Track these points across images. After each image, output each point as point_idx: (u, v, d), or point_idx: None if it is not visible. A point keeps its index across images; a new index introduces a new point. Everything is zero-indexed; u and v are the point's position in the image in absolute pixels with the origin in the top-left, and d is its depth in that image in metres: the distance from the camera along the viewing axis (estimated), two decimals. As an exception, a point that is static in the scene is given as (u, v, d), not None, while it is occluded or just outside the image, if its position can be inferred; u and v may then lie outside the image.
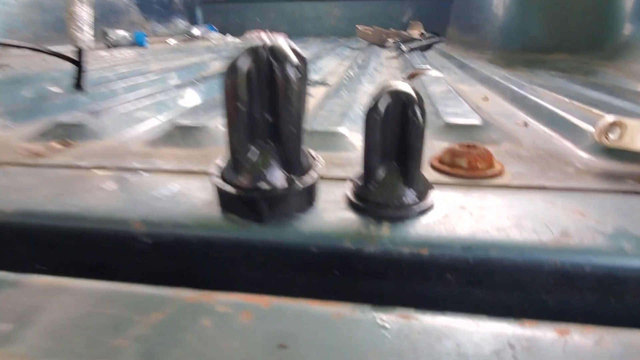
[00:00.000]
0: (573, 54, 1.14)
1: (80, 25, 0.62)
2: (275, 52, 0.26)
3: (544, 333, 0.18)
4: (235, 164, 0.28)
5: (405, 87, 0.28)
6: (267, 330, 0.19)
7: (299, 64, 0.27)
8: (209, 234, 0.29)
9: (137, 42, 1.93)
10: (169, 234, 0.29)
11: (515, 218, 0.29)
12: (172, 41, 2.34)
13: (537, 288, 0.26)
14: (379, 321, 0.19)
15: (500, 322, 0.19)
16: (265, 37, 0.27)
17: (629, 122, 0.38)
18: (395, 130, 0.29)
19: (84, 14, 0.62)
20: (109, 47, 1.85)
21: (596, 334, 0.18)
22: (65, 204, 0.32)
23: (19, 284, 0.22)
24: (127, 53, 1.58)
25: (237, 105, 0.27)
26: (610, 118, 0.39)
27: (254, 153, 0.29)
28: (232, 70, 0.26)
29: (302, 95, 0.27)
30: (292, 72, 0.26)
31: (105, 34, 1.86)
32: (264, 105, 0.28)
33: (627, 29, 1.05)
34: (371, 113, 0.28)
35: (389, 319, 0.19)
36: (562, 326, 0.18)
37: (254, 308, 0.20)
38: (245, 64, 0.26)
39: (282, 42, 0.27)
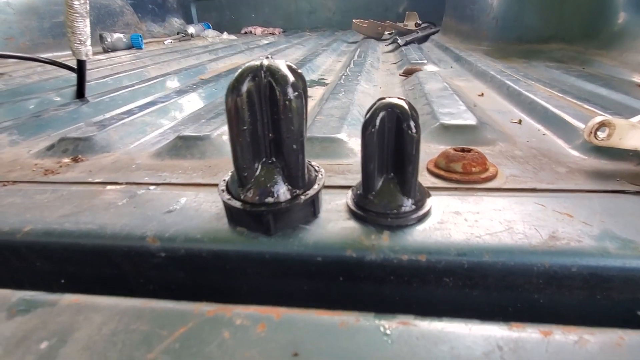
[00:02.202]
0: (569, 44, 1.14)
1: (82, 38, 0.63)
2: (274, 74, 0.28)
3: (529, 334, 0.20)
4: (242, 181, 0.30)
5: (399, 101, 0.30)
6: (280, 340, 0.21)
7: (297, 82, 0.28)
8: (220, 247, 0.31)
9: (134, 44, 1.94)
10: (182, 248, 0.31)
11: (507, 222, 0.31)
12: (168, 41, 2.34)
13: (528, 288, 0.28)
14: (381, 328, 0.21)
15: (490, 325, 0.21)
16: (264, 59, 0.28)
17: (617, 121, 0.40)
18: (391, 143, 0.31)
19: (85, 27, 0.63)
20: (106, 50, 1.86)
21: (576, 334, 0.20)
22: (82, 222, 0.34)
23: (50, 304, 0.24)
24: (124, 57, 1.59)
25: (239, 126, 0.28)
26: (598, 118, 0.40)
27: (258, 170, 0.30)
28: (233, 92, 0.28)
29: (301, 113, 0.29)
30: (291, 93, 0.28)
31: (102, 38, 1.86)
32: (266, 124, 0.29)
33: (622, 17, 1.06)
34: (368, 127, 0.30)
35: (390, 326, 0.21)
36: (546, 327, 0.20)
37: (267, 319, 0.22)
38: (245, 86, 0.28)
39: (281, 63, 0.29)
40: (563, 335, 0.20)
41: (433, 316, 0.22)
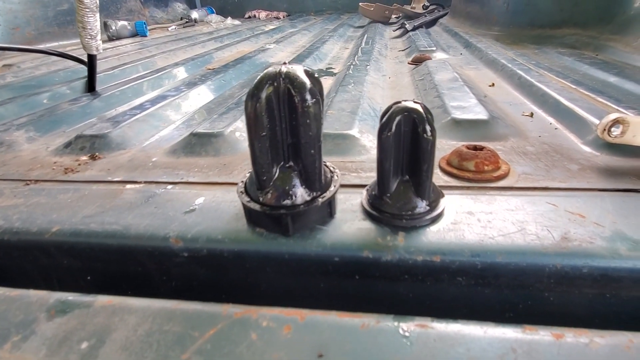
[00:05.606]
0: (582, 28, 1.12)
1: (92, 33, 0.63)
2: (292, 81, 0.28)
3: (541, 337, 0.21)
4: (261, 184, 0.31)
5: (415, 105, 0.30)
6: (306, 341, 0.22)
7: (315, 87, 0.29)
8: (241, 247, 0.32)
9: (138, 32, 1.92)
10: (204, 248, 0.32)
11: (520, 223, 0.31)
12: (172, 28, 2.32)
13: (539, 287, 0.29)
14: (400, 330, 0.22)
15: (504, 328, 0.22)
16: (282, 66, 0.29)
17: (631, 119, 0.40)
18: (407, 146, 0.31)
19: (95, 21, 0.63)
20: (111, 39, 1.85)
21: (587, 336, 0.21)
22: (107, 223, 0.35)
23: (86, 305, 0.26)
24: (130, 45, 1.58)
25: (259, 131, 0.29)
26: (612, 115, 0.40)
27: (277, 173, 0.31)
28: (252, 98, 0.28)
29: (319, 119, 0.30)
30: (310, 100, 0.28)
31: (106, 26, 1.85)
32: (284, 129, 0.30)
33: (637, 1, 1.03)
34: (384, 131, 0.30)
35: (409, 328, 0.22)
36: (558, 330, 0.21)
37: (292, 321, 0.23)
38: (264, 92, 0.28)
39: (298, 69, 0.29)
40: (574, 338, 0.21)
41: (447, 317, 0.23)
